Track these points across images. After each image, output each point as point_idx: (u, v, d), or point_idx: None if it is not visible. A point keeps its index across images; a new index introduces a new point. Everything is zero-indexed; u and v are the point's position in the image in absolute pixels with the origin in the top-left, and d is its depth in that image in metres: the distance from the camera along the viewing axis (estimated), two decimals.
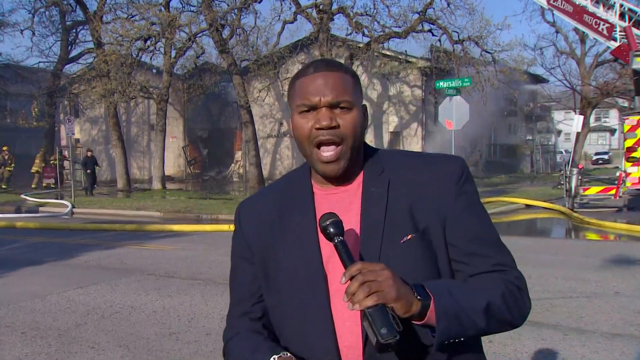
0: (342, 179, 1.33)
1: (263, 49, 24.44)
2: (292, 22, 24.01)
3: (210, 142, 36.60)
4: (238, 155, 34.60)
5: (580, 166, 16.05)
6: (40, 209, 17.76)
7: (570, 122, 33.31)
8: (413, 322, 1.15)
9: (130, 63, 22.83)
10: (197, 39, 24.62)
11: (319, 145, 1.28)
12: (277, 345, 1.34)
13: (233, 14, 23.53)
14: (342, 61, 23.78)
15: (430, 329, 1.16)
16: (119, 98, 23.08)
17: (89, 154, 23.17)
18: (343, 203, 1.32)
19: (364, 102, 1.36)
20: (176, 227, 12.91)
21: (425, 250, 1.27)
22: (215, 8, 23.12)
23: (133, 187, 24.93)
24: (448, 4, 22.24)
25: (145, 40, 23.62)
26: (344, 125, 1.26)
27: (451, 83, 16.45)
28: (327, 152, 1.27)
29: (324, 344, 1.26)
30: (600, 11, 15.78)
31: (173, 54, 24.67)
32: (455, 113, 15.63)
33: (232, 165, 35.55)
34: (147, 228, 13.00)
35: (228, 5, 23.62)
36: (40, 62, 29.46)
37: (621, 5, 15.79)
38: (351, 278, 1.11)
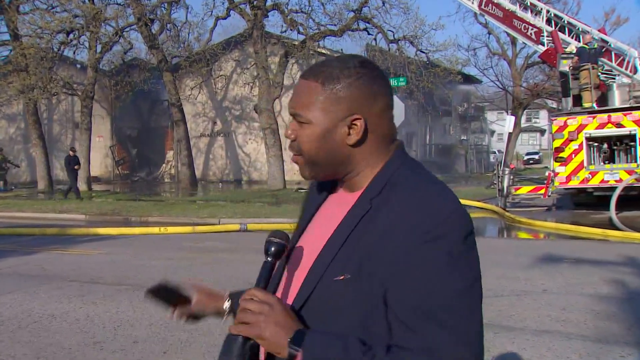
0: (346, 186, 1.25)
1: (195, 46, 24.01)
2: (225, 18, 23.65)
3: (140, 142, 35.57)
4: (169, 155, 33.82)
5: (511, 166, 16.48)
6: None
7: (502, 123, 34.28)
8: None
9: (51, 57, 21.79)
10: (124, 33, 23.84)
11: None
12: None
13: (163, 8, 22.95)
14: (277, 59, 23.60)
15: None
16: (39, 94, 21.95)
17: (72, 153, 21.09)
18: (335, 210, 1.24)
19: (357, 115, 1.17)
20: (102, 231, 12.33)
21: (355, 297, 1.13)
22: (144, 1, 22.43)
23: (55, 189, 23.79)
24: (383, 3, 22.51)
25: (68, 34, 22.64)
26: (299, 139, 1.21)
27: None
28: (293, 158, 1.26)
29: None
30: (529, 16, 16.37)
31: (99, 48, 23.72)
32: None
33: (163, 165, 34.71)
34: (70, 232, 12.34)
35: None
36: None
37: (547, 12, 16.46)
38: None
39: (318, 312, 1.15)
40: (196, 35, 23.67)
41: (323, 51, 25.49)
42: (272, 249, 1.19)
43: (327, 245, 1.19)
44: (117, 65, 27.02)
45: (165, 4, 22.63)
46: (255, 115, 25.17)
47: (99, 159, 33.58)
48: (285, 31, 23.27)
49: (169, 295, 1.44)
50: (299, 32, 22.83)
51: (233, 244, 10.62)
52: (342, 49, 26.62)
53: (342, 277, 1.14)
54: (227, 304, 1.46)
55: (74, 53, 24.91)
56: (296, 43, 23.44)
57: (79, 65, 28.09)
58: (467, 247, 1.10)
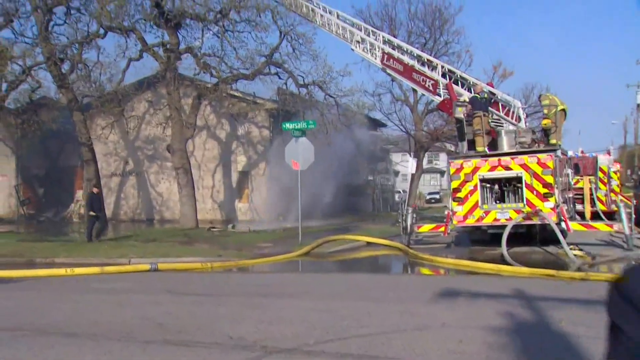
0: None
1: (107, 86, 23.55)
2: (137, 60, 23.48)
3: (48, 181, 34.17)
4: (79, 194, 32.66)
5: (414, 205, 17.28)
6: None
7: (406, 164, 35.46)
8: None
9: None
10: (32, 72, 23.09)
11: None
12: None
13: (74, 49, 22.49)
14: (190, 100, 23.75)
15: None
16: None
17: (95, 190, 19.34)
18: None
19: None
20: (2, 273, 11.67)
21: None
22: (54, 41, 21.94)
23: None
24: (293, 50, 23.31)
25: None
26: None
27: (297, 125, 17.15)
28: None
29: None
30: (426, 70, 17.72)
31: (4, 87, 22.83)
32: (301, 154, 16.27)
33: (72, 205, 33.42)
34: None
35: (68, 38, 22.55)
36: None
37: (442, 67, 17.99)
38: None
39: None
40: (108, 76, 23.30)
41: (236, 94, 25.92)
42: None
43: None
44: (24, 104, 26.03)
45: (77, 45, 22.29)
46: (168, 154, 25.01)
47: (3, 198, 32.01)
48: (198, 74, 23.45)
49: None
50: (211, 75, 23.04)
51: (143, 285, 10.46)
52: (254, 92, 27.19)
53: None
54: None
55: None
56: (209, 85, 23.67)
57: None
58: None
